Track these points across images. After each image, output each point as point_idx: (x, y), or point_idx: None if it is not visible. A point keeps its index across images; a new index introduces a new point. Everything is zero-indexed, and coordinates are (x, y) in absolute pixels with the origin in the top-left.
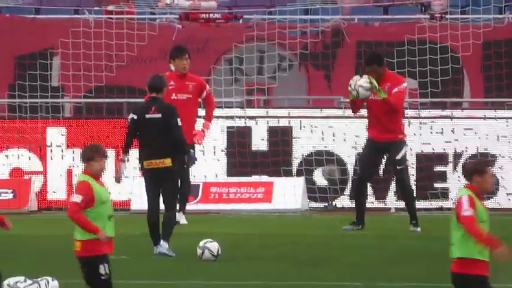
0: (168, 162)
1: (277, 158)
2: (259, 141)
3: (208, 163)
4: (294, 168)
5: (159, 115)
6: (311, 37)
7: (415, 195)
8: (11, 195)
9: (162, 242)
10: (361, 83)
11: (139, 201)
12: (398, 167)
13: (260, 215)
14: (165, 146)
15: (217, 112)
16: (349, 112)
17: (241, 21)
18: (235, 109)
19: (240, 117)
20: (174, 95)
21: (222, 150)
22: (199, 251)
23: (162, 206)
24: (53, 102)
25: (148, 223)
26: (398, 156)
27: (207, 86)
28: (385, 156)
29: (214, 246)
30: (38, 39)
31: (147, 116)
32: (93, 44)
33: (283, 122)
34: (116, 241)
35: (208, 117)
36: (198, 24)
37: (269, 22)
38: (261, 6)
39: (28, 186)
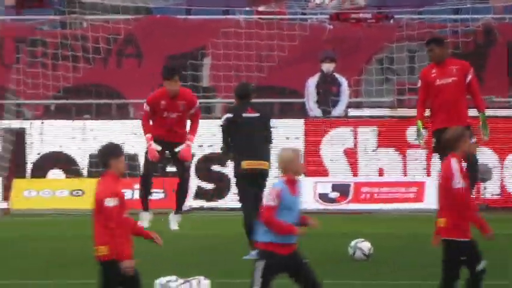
0: (267, 165)
1: (428, 157)
2: (411, 141)
3: (360, 163)
4: None
5: (257, 114)
6: (462, 36)
7: None
8: (162, 195)
9: None
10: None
11: None
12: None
13: (412, 215)
14: (264, 147)
15: (367, 112)
16: (500, 112)
17: (391, 21)
18: (386, 109)
19: (390, 117)
20: (165, 113)
21: (373, 150)
22: (350, 251)
23: None
24: (204, 102)
25: (246, 227)
26: (473, 140)
27: (197, 104)
28: None
29: (366, 245)
30: (188, 40)
31: (244, 115)
32: (243, 45)
33: None
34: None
35: (193, 131)
36: (348, 24)
37: (419, 22)
38: (410, 6)
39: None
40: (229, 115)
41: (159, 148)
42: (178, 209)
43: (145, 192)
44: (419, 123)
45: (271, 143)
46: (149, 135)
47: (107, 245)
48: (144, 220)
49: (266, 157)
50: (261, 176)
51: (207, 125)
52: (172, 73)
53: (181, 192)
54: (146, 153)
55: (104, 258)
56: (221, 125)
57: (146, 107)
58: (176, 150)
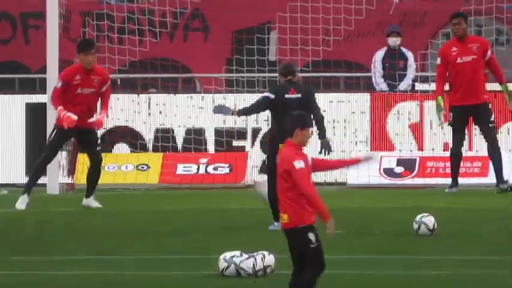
0: None
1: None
2: None
3: (425, 138)
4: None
5: (299, 95)
6: None
7: None
8: (227, 170)
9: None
10: None
11: (356, 176)
12: (491, 125)
13: (476, 190)
14: None
15: (434, 86)
16: None
17: None
18: None
19: None
20: (79, 89)
21: (439, 125)
22: (415, 226)
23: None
24: (270, 76)
25: (271, 200)
26: (492, 117)
27: (109, 80)
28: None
29: (430, 220)
30: (255, 14)
31: (287, 96)
32: (310, 19)
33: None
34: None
35: (106, 108)
36: None
37: None
38: None
39: (245, 160)
40: (270, 95)
41: (75, 117)
42: (91, 192)
43: (39, 174)
44: (440, 98)
45: (321, 119)
46: (61, 107)
47: (287, 213)
48: (23, 203)
49: None
50: None
51: None
52: (90, 46)
53: (95, 178)
54: (54, 130)
55: (285, 226)
56: (259, 99)
57: (58, 83)
58: (89, 121)
